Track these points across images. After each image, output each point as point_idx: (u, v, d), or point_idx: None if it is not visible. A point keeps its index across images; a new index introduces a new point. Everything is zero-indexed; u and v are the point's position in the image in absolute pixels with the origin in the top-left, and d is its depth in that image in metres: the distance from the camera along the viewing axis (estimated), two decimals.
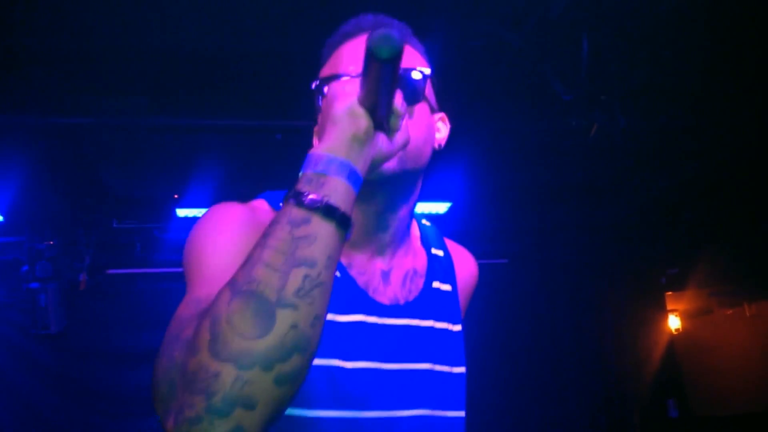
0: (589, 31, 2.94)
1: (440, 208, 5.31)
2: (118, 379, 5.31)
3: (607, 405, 6.39)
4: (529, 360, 6.14)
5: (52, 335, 5.16)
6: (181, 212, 4.84)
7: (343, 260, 1.25)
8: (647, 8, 2.89)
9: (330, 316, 1.18)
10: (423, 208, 5.26)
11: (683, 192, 5.31)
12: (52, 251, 4.98)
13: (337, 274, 1.22)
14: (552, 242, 6.10)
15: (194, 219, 4.87)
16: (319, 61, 1.30)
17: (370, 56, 0.95)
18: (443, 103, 1.37)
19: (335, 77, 1.21)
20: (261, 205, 1.25)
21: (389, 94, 1.01)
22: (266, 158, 4.02)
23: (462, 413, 1.35)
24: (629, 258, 6.36)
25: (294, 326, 0.88)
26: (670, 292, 7.04)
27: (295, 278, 0.90)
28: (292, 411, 1.12)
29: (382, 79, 0.97)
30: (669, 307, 7.11)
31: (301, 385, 0.93)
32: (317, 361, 1.14)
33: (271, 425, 0.90)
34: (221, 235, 1.13)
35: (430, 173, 4.40)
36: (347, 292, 1.23)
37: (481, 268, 5.54)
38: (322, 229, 0.93)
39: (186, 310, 1.02)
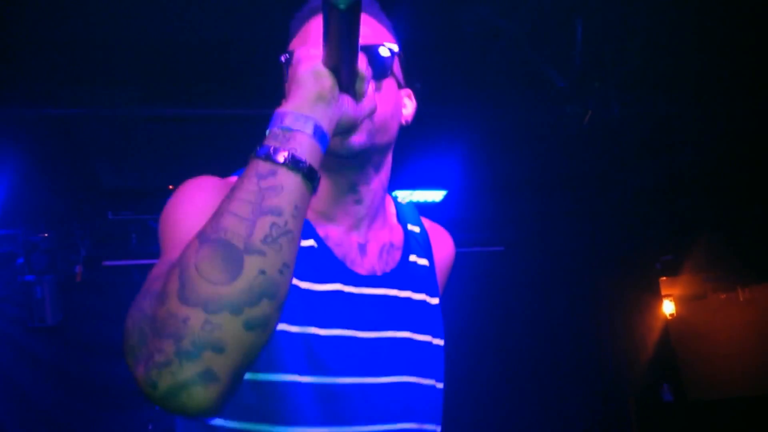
0: (583, 18, 2.93)
1: (436, 195, 5.32)
2: (115, 370, 5.31)
3: (602, 390, 6.43)
4: (525, 346, 6.17)
5: (48, 328, 5.16)
6: None
7: (320, 233, 1.27)
8: None
9: (307, 285, 1.20)
10: (419, 195, 5.27)
11: (677, 178, 5.32)
12: (47, 243, 4.97)
13: (315, 244, 1.24)
14: (547, 229, 6.12)
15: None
16: (288, 35, 1.31)
17: (329, 7, 0.96)
18: (410, 79, 1.38)
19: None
20: (234, 178, 1.26)
21: (351, 51, 1.03)
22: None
23: (440, 384, 1.36)
24: (624, 244, 6.38)
25: (262, 272, 0.91)
26: (664, 278, 7.08)
27: (263, 226, 0.92)
28: (269, 376, 1.14)
29: (342, 32, 0.99)
30: (663, 292, 7.15)
31: (271, 332, 0.94)
32: (294, 329, 1.16)
33: (242, 370, 0.92)
34: (192, 200, 1.16)
35: (426, 161, 4.39)
36: (325, 263, 1.24)
37: (478, 255, 5.55)
38: (289, 180, 0.96)
39: (159, 269, 1.04)
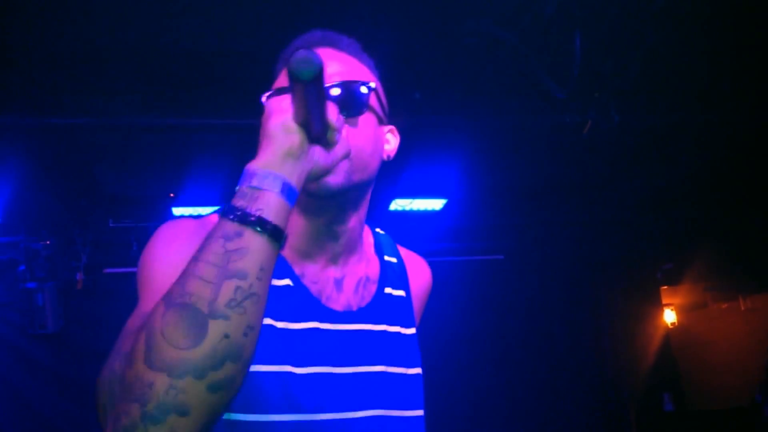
0: (582, 29, 2.96)
1: (436, 204, 5.33)
2: None
3: (603, 400, 6.42)
4: (525, 355, 6.16)
5: (49, 334, 5.17)
6: (177, 211, 4.84)
7: (296, 270, 1.28)
8: (641, 5, 2.91)
9: (283, 324, 1.21)
10: (419, 204, 5.28)
11: (678, 187, 5.34)
12: (48, 251, 4.98)
13: (290, 283, 1.26)
14: (547, 238, 6.12)
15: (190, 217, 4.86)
16: (272, 75, 1.33)
17: (292, 78, 0.98)
18: (392, 116, 1.39)
19: (281, 91, 1.22)
20: (213, 219, 1.27)
21: (319, 110, 1.04)
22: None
23: (420, 412, 1.37)
24: (624, 253, 6.38)
25: (226, 336, 0.92)
26: (665, 287, 7.08)
27: (227, 290, 0.93)
28: (246, 416, 1.15)
29: (308, 98, 1.01)
30: (664, 301, 7.15)
31: (236, 392, 0.96)
32: (270, 368, 1.17)
33: (207, 429, 0.94)
34: (167, 249, 1.17)
35: (426, 169, 4.39)
36: (300, 301, 1.25)
37: (478, 264, 5.54)
38: (254, 242, 0.96)
39: (132, 323, 1.06)
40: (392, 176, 4.71)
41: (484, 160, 4.74)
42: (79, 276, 5.20)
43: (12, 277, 5.12)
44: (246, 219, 0.97)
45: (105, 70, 3.28)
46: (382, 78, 1.38)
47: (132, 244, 5.30)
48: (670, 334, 7.04)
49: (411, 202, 5.24)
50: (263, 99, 1.25)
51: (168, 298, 0.94)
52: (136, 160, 4.39)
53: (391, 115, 1.39)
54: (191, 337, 0.90)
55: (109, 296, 5.50)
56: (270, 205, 0.99)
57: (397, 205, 5.22)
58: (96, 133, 3.83)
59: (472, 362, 5.96)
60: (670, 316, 7.10)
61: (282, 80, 1.27)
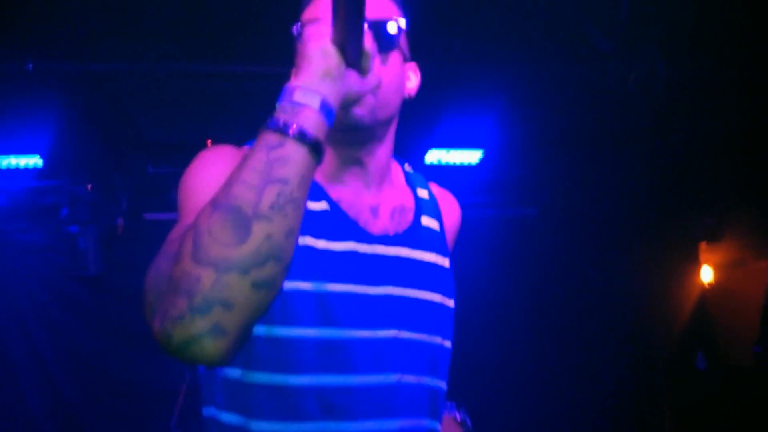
0: None
1: (472, 156, 5.27)
2: None
3: (636, 357, 6.41)
4: (558, 311, 6.15)
5: (91, 277, 5.31)
6: None
7: (333, 195, 1.33)
8: None
9: (323, 244, 1.27)
10: (455, 156, 5.23)
11: (723, 142, 5.19)
12: (90, 195, 5.08)
13: (327, 207, 1.31)
14: (584, 192, 6.04)
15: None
16: (300, 5, 1.35)
17: None
18: (415, 53, 1.42)
19: (314, 21, 1.25)
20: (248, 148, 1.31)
21: (357, 31, 1.08)
22: None
23: (448, 343, 1.42)
24: (663, 208, 6.27)
25: (269, 236, 0.98)
26: (704, 244, 6.95)
27: (270, 194, 0.99)
28: (283, 329, 1.22)
29: (349, 13, 1.04)
30: (703, 258, 7.03)
31: (276, 292, 1.03)
32: (308, 285, 1.23)
33: (249, 326, 1.01)
34: (208, 170, 1.24)
35: (463, 120, 4.34)
36: (339, 223, 1.30)
37: (511, 218, 5.50)
38: (295, 152, 1.02)
39: (175, 233, 1.13)
40: (429, 125, 4.67)
41: (522, 111, 4.66)
42: (120, 221, 5.31)
43: (55, 220, 5.25)
44: (287, 131, 1.03)
45: (145, 17, 3.29)
46: (410, 15, 1.38)
47: (170, 190, 5.37)
48: (707, 292, 6.94)
49: (447, 153, 5.19)
50: (294, 29, 1.28)
51: (215, 201, 1.00)
52: (174, 107, 4.43)
53: (415, 51, 1.42)
54: (237, 236, 0.96)
55: (148, 241, 5.58)
56: (310, 118, 1.04)
57: (433, 156, 5.18)
58: (135, 80, 3.86)
59: (503, 316, 5.98)
60: (707, 274, 6.99)
61: (312, 11, 1.30)
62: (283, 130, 1.03)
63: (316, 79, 1.07)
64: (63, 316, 5.53)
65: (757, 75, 4.08)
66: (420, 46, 1.42)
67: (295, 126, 1.03)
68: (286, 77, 1.15)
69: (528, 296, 6.09)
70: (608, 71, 3.75)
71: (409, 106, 1.41)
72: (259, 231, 0.97)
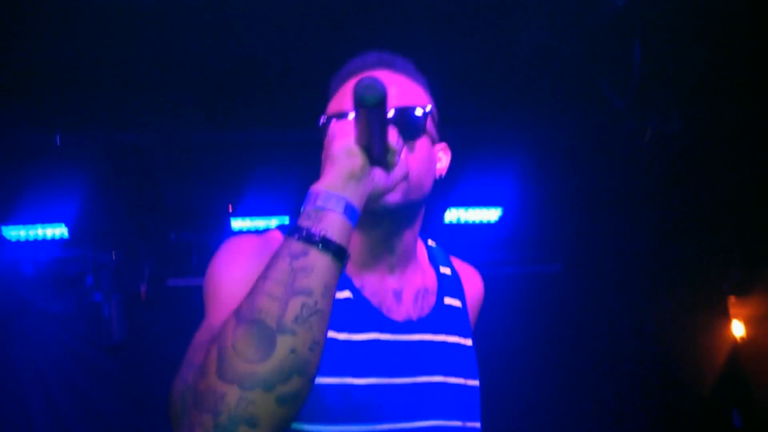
0: (641, 36, 2.90)
1: (492, 215, 5.28)
2: None
3: (668, 415, 6.22)
4: (586, 368, 6.03)
5: (115, 345, 5.33)
6: (236, 223, 4.93)
7: (356, 282, 1.32)
8: (701, 11, 2.84)
9: (345, 336, 1.26)
10: (474, 215, 5.24)
11: (743, 193, 5.15)
12: (114, 263, 5.15)
13: (350, 296, 1.30)
14: (607, 247, 5.99)
15: (248, 230, 4.96)
16: (327, 95, 1.37)
17: (357, 103, 1.03)
18: (444, 134, 1.43)
19: (339, 115, 1.28)
20: (275, 234, 1.32)
21: (381, 134, 1.09)
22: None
23: (477, 424, 1.39)
24: (688, 262, 6.19)
25: (293, 350, 0.97)
26: (733, 297, 6.82)
27: (294, 307, 0.98)
28: (309, 426, 1.20)
29: (371, 122, 1.06)
30: (732, 312, 6.88)
31: (302, 404, 1.01)
32: (332, 380, 1.21)
33: None
34: (233, 265, 1.23)
35: (482, 179, 4.35)
36: (361, 312, 1.29)
37: (536, 274, 5.44)
38: (319, 261, 1.02)
39: (201, 336, 1.12)
40: (447, 186, 4.70)
41: (541, 169, 4.68)
42: (143, 287, 5.35)
43: (79, 289, 5.30)
44: (311, 239, 1.02)
45: (170, 89, 3.39)
46: (435, 94, 1.41)
47: (192, 256, 5.43)
48: (739, 346, 6.77)
49: (466, 212, 5.21)
50: (321, 121, 1.30)
51: (238, 314, 0.99)
52: (195, 174, 4.51)
53: (443, 131, 1.43)
54: (261, 351, 0.95)
55: (171, 307, 5.64)
56: (334, 225, 1.04)
57: (452, 215, 5.19)
58: (158, 149, 3.96)
59: (530, 375, 5.87)
60: (738, 328, 6.83)
61: (338, 103, 1.32)
62: (306, 239, 1.02)
63: (340, 181, 1.07)
64: (87, 384, 5.53)
65: None
66: (438, 107, 1.43)
67: (318, 233, 1.02)
68: (305, 145, 1.16)
69: (553, 353, 5.98)
70: (624, 127, 3.78)
71: None
72: (283, 345, 0.96)
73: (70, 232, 4.83)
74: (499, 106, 3.78)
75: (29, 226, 4.77)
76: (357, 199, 1.08)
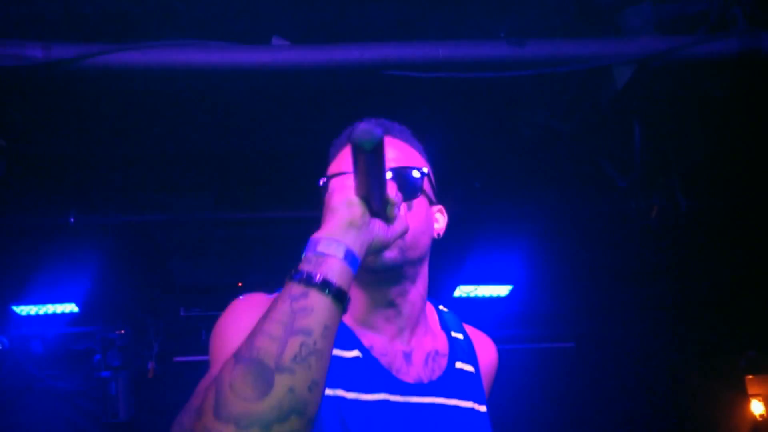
0: (641, 119, 2.96)
1: (502, 291, 5.26)
2: None
3: None
4: None
5: (121, 423, 5.26)
6: None
7: (365, 343, 1.30)
8: (699, 94, 2.90)
9: (354, 395, 1.22)
10: (485, 291, 5.23)
11: (756, 270, 5.11)
12: (123, 340, 5.14)
13: (360, 355, 1.28)
14: (619, 325, 5.92)
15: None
16: (327, 160, 1.41)
17: (355, 149, 1.05)
18: (441, 196, 1.46)
19: (339, 175, 1.31)
20: None
21: (380, 182, 1.11)
22: None
23: None
24: (704, 340, 6.09)
25: (291, 390, 0.96)
26: (750, 376, 6.67)
27: (293, 346, 0.98)
28: None
29: (369, 169, 1.07)
30: (751, 391, 6.72)
31: None
32: None
33: None
34: (239, 320, 1.23)
35: (490, 257, 4.34)
36: (371, 372, 1.26)
37: (548, 351, 5.36)
38: (319, 302, 1.02)
39: (203, 384, 1.12)
40: (456, 263, 4.71)
41: (550, 246, 4.69)
42: (151, 365, 5.32)
43: (87, 366, 5.28)
44: (311, 281, 1.03)
45: (178, 172, 3.48)
46: (432, 161, 1.45)
47: (201, 332, 5.41)
48: (760, 424, 6.58)
49: (476, 289, 5.20)
50: (321, 182, 1.33)
51: (237, 354, 0.99)
52: (206, 252, 4.55)
53: (441, 196, 1.46)
54: (258, 390, 0.95)
55: (179, 384, 5.56)
56: (334, 268, 1.05)
57: (462, 291, 5.18)
58: (169, 228, 4.01)
59: None
60: (758, 407, 6.65)
61: (337, 165, 1.36)
62: (307, 281, 1.03)
63: (340, 229, 1.08)
64: None
65: None
66: (443, 188, 1.47)
67: (319, 276, 1.03)
68: (312, 221, 1.18)
69: (568, 430, 5.83)
70: (630, 206, 3.80)
71: (436, 244, 1.44)
72: (281, 384, 0.95)
73: (80, 308, 4.85)
74: (505, 184, 3.83)
75: (40, 305, 4.81)
76: (357, 247, 1.09)
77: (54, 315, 4.91)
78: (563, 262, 5.02)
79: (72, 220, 3.40)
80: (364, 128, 1.03)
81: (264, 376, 0.95)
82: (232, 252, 4.47)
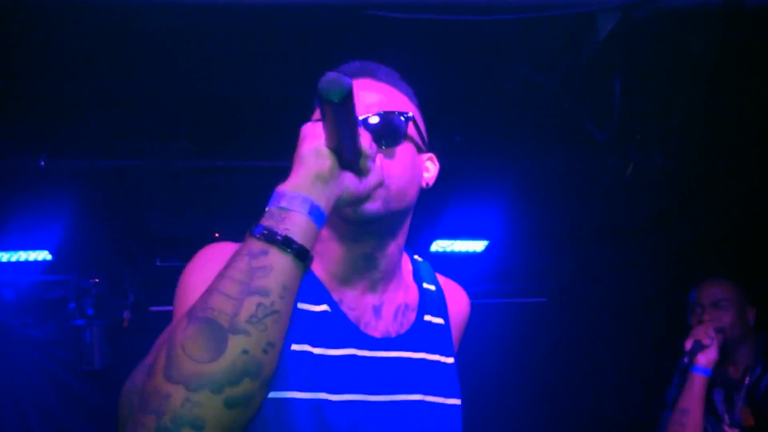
0: (622, 73, 2.95)
1: (477, 246, 5.30)
2: None
3: None
4: (569, 399, 6.02)
5: (96, 371, 5.26)
6: None
7: (335, 296, 1.27)
8: (681, 49, 2.90)
9: (320, 350, 1.20)
10: (461, 246, 5.26)
11: (725, 231, 5.20)
12: (97, 289, 5.11)
13: (328, 309, 1.25)
14: (591, 281, 6.02)
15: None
16: (312, 106, 1.35)
17: (322, 100, 1.00)
18: (432, 143, 1.40)
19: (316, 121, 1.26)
20: None
21: (351, 134, 1.06)
22: None
23: None
24: (671, 298, 6.22)
25: (245, 351, 0.94)
26: None
27: (249, 306, 0.95)
28: None
29: (339, 120, 1.02)
30: None
31: (253, 411, 0.97)
32: (305, 395, 1.16)
33: None
34: (203, 270, 1.19)
35: (467, 211, 4.36)
36: (338, 327, 1.24)
37: (521, 306, 5.44)
38: (279, 261, 0.99)
39: (160, 339, 1.11)
40: (433, 218, 4.72)
41: (526, 202, 4.71)
42: (126, 314, 5.30)
43: (61, 315, 5.25)
44: (272, 238, 0.99)
45: (154, 116, 3.41)
46: (421, 107, 1.39)
47: (177, 283, 5.39)
48: None
49: (452, 244, 5.23)
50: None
51: (191, 313, 0.96)
52: (183, 201, 4.50)
53: (431, 142, 1.40)
54: (211, 351, 0.92)
55: (154, 334, 5.57)
56: (297, 225, 1.01)
57: (438, 246, 5.21)
58: (144, 176, 3.95)
59: (513, 404, 5.85)
60: None
61: (318, 112, 1.29)
62: (267, 238, 0.99)
63: (307, 182, 1.04)
64: (65, 410, 5.45)
65: (755, 163, 4.13)
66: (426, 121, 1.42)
67: (280, 233, 0.99)
68: (289, 170, 1.13)
69: (537, 385, 5.98)
70: (607, 162, 3.82)
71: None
72: (234, 346, 0.93)
73: (53, 256, 4.80)
74: (484, 138, 3.81)
75: (12, 252, 4.75)
76: (324, 202, 1.05)
77: (27, 262, 4.85)
78: (538, 218, 5.06)
79: (42, 163, 3.32)
80: (331, 78, 0.98)
81: (217, 336, 0.93)
82: (211, 201, 4.42)
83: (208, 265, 1.19)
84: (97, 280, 5.06)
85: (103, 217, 4.61)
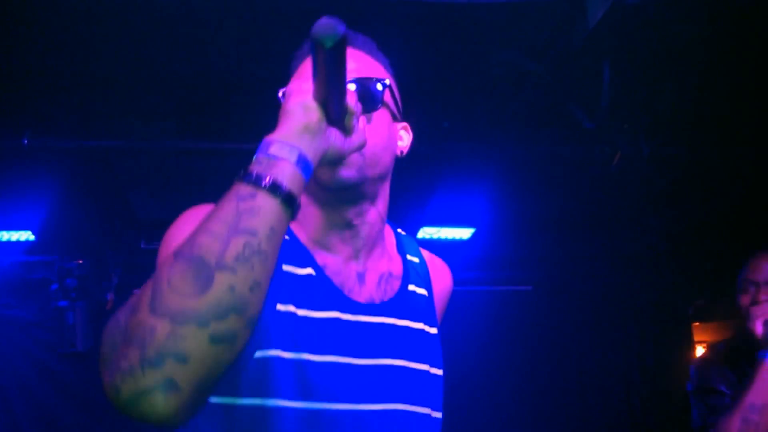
0: (611, 61, 2.95)
1: (464, 233, 5.30)
2: None
3: (632, 429, 6.27)
4: (551, 387, 6.06)
5: (78, 353, 5.23)
6: None
7: (319, 261, 1.28)
8: (670, 38, 2.90)
9: (304, 312, 1.20)
10: (447, 233, 5.26)
11: (710, 221, 5.24)
12: (81, 270, 5.06)
13: (313, 272, 1.25)
14: (576, 270, 6.05)
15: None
16: (289, 72, 1.35)
17: (315, 44, 0.99)
18: (406, 113, 1.41)
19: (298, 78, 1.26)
20: None
21: (339, 88, 1.06)
22: None
23: (438, 414, 1.35)
24: (655, 288, 6.27)
25: (232, 288, 0.94)
26: (697, 323, 6.92)
27: (236, 245, 0.96)
28: (258, 401, 1.14)
29: (329, 68, 1.02)
30: (696, 338, 6.98)
31: (238, 349, 0.97)
32: (288, 354, 1.16)
33: (205, 383, 0.95)
34: (186, 228, 1.16)
35: (454, 198, 4.37)
36: (323, 291, 1.25)
37: (506, 295, 5.47)
38: (266, 204, 0.99)
39: (142, 289, 1.07)
40: (420, 204, 4.72)
41: (513, 190, 4.72)
42: (110, 296, 5.27)
43: (44, 296, 5.21)
44: (260, 182, 1.00)
45: (140, 96, 3.37)
46: (410, 93, 1.41)
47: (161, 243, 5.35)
48: None
49: (438, 231, 5.23)
50: (280, 94, 1.26)
51: (178, 251, 0.96)
52: (168, 183, 4.47)
53: (406, 111, 1.41)
54: (197, 287, 0.92)
55: None
56: (285, 172, 1.02)
57: (425, 233, 5.21)
58: (130, 157, 3.92)
59: (497, 391, 5.88)
60: (701, 353, 6.92)
61: (297, 76, 1.31)
62: (255, 182, 1.00)
63: (295, 133, 1.05)
64: (46, 391, 5.41)
65: (744, 154, 4.16)
66: (410, 124, 1.43)
67: (268, 178, 1.00)
68: None
69: (521, 372, 6.01)
70: (594, 151, 3.83)
71: (401, 184, 1.39)
72: (221, 282, 0.93)
73: (36, 237, 4.75)
74: (472, 124, 3.81)
75: None
76: (311, 153, 1.06)
77: (9, 243, 4.80)
78: (525, 206, 5.08)
79: (26, 142, 3.27)
80: (326, 22, 0.97)
81: (204, 272, 0.93)
82: (196, 184, 4.40)
83: (191, 223, 1.18)
84: (80, 262, 5.02)
85: (87, 197, 4.56)
